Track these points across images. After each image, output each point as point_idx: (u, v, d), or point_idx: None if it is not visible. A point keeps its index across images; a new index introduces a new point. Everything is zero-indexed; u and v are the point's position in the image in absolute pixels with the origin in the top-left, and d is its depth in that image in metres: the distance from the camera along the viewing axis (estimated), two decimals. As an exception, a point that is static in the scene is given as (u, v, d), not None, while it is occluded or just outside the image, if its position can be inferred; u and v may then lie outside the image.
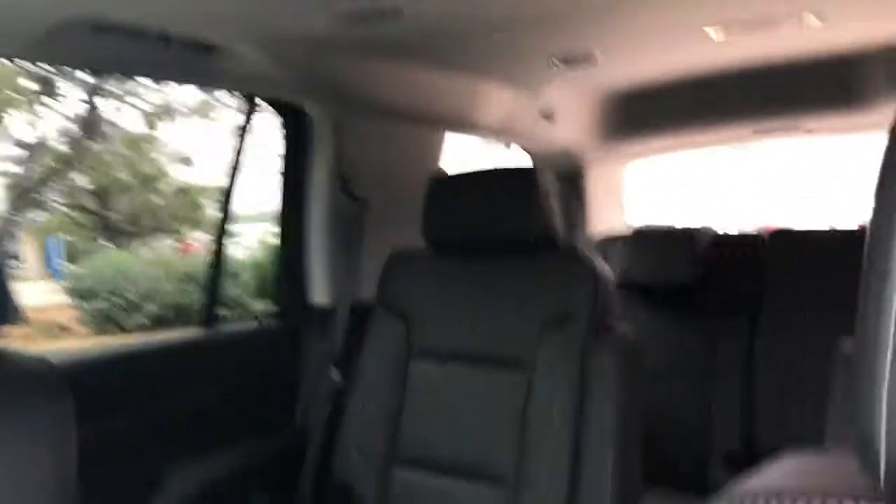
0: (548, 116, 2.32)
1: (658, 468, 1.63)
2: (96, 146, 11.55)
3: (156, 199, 12.64)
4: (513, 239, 1.70)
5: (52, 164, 10.86)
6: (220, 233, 1.81)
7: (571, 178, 2.71)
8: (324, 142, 1.85)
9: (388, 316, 1.79)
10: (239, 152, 1.79)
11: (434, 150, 2.15)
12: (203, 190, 11.67)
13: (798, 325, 2.20)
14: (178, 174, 12.72)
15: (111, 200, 12.45)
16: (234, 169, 1.79)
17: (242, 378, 1.77)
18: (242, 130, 1.77)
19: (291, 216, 1.91)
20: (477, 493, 1.61)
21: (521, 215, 1.67)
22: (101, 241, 12.43)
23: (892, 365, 0.39)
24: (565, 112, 2.36)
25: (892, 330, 0.39)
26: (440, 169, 2.19)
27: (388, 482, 1.69)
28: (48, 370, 0.81)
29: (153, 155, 12.52)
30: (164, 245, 12.02)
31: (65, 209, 12.57)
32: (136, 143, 12.14)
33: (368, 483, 1.70)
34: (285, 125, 1.87)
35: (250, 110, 1.77)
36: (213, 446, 1.68)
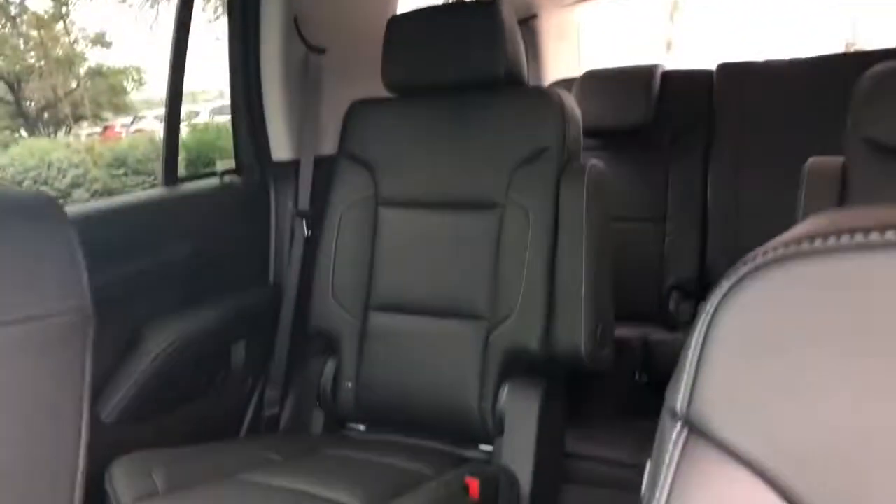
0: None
1: (619, 303, 1.70)
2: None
3: (73, 84, 12.00)
4: (479, 78, 1.67)
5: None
6: (174, 91, 1.73)
7: (524, 23, 2.65)
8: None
9: (353, 166, 1.77)
10: (183, 16, 1.68)
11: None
12: (123, 72, 11.12)
13: (749, 155, 2.26)
14: (96, 56, 12.04)
15: (24, 87, 11.78)
16: (181, 32, 1.68)
17: (211, 235, 1.75)
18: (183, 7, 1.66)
19: (245, 69, 1.83)
20: (455, 330, 1.65)
21: (487, 52, 1.64)
22: (18, 131, 11.84)
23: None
24: (517, -49, 2.28)
25: None
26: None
27: (366, 326, 1.73)
28: (47, 201, 0.77)
29: (65, 37, 11.78)
30: (87, 131, 11.53)
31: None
32: (46, 24, 11.37)
33: (346, 328, 1.73)
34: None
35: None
36: (186, 303, 1.68)
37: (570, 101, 1.67)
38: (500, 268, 1.62)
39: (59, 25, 11.44)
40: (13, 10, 10.87)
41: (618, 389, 2.10)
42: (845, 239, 0.45)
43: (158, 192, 1.73)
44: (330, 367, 1.75)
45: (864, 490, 0.41)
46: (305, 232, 1.84)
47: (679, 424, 0.49)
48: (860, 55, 2.27)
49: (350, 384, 1.72)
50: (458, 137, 1.72)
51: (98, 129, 11.81)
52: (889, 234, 0.44)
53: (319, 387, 1.75)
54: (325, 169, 1.83)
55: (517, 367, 1.60)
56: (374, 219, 1.75)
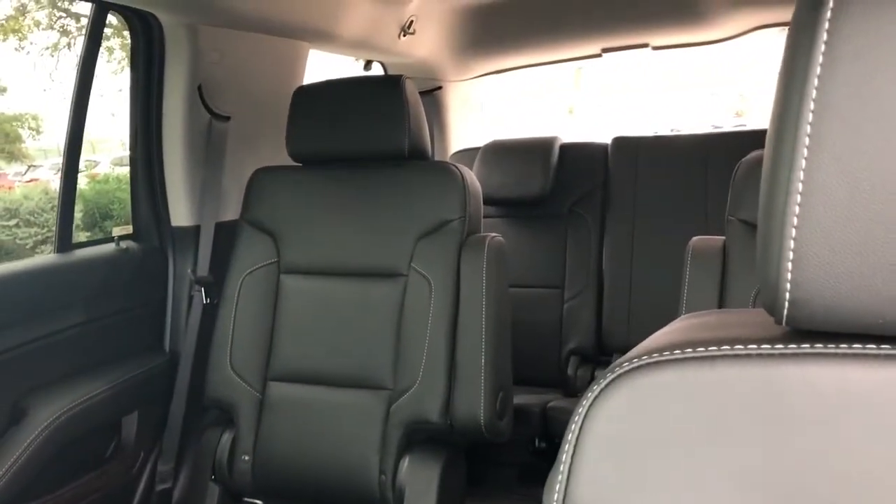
0: (408, 29, 2.30)
1: (519, 369, 1.74)
2: None
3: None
4: (383, 151, 1.70)
5: None
6: (73, 151, 1.68)
7: (429, 94, 2.72)
8: (178, 53, 1.75)
9: (256, 233, 1.76)
10: (87, 66, 1.65)
11: (297, 65, 2.08)
12: (19, 118, 10.69)
13: (640, 227, 2.36)
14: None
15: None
16: (83, 84, 1.66)
17: (105, 302, 1.70)
18: (92, 42, 1.64)
19: (146, 133, 1.81)
20: (356, 400, 1.64)
21: (391, 127, 1.68)
22: None
23: (799, 210, 0.45)
24: (425, 26, 2.35)
25: (797, 183, 0.45)
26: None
27: (264, 396, 1.70)
28: None
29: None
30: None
31: None
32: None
33: (244, 399, 1.70)
34: (134, 33, 1.75)
35: (99, 19, 1.63)
36: (77, 373, 1.62)
37: (471, 175, 1.72)
38: (402, 338, 1.63)
39: (-51, 67, 10.97)
40: None
41: (518, 457, 2.12)
42: (689, 351, 0.49)
43: (51, 258, 1.67)
44: (226, 439, 1.71)
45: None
46: (204, 300, 1.81)
47: None
48: (746, 134, 2.42)
49: (247, 457, 1.68)
50: (362, 207, 1.73)
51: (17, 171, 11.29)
52: (734, 348, 0.48)
53: (215, 460, 1.70)
54: (226, 235, 1.82)
55: (418, 437, 1.60)
56: (276, 286, 1.74)
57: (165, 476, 1.76)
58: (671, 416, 0.49)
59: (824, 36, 0.44)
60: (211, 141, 1.84)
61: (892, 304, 0.44)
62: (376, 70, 2.57)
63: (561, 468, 0.52)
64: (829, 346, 0.46)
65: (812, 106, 0.44)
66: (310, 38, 2.06)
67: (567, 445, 0.52)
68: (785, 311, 0.47)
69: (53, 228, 1.67)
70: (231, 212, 1.86)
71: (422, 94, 2.71)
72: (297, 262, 1.74)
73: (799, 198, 0.45)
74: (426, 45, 2.46)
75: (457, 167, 1.71)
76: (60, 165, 1.68)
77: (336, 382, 1.67)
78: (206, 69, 1.80)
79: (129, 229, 1.85)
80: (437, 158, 2.68)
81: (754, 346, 0.48)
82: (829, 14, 0.44)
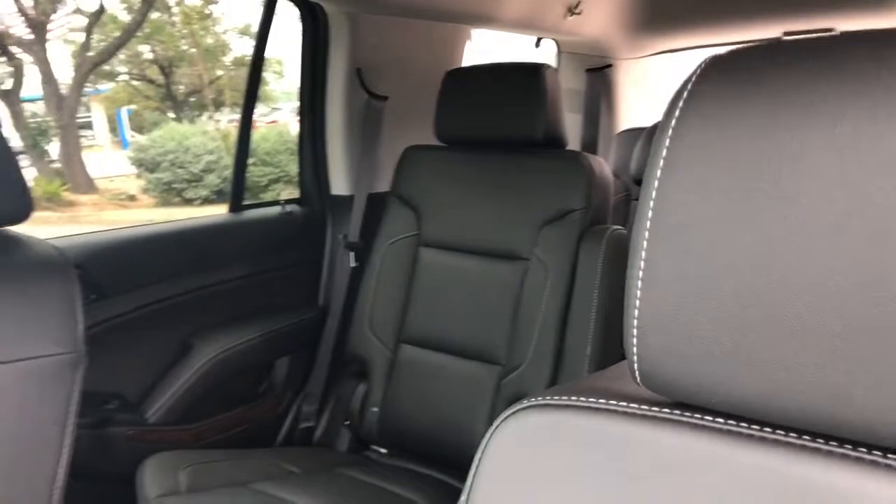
0: (574, 9, 2.32)
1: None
2: (156, 16, 11.64)
3: (218, 72, 12.78)
4: (520, 137, 1.76)
5: (117, 33, 10.98)
6: (246, 121, 1.93)
7: (598, 72, 2.71)
8: (340, 38, 1.92)
9: (400, 207, 1.91)
10: (261, 45, 1.87)
11: (455, 47, 2.19)
12: (266, 63, 11.73)
13: None
14: (240, 47, 12.77)
15: (174, 72, 12.65)
16: (258, 60, 1.88)
17: (267, 259, 1.93)
18: (264, 23, 1.85)
19: (312, 110, 2.01)
20: (473, 371, 1.76)
21: (527, 114, 1.73)
22: (167, 113, 12.73)
23: (641, 292, 0.49)
24: (592, 6, 2.35)
25: (638, 271, 0.49)
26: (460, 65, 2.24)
27: (396, 356, 1.86)
28: (56, 255, 0.95)
29: (215, 27, 12.56)
30: (227, 118, 12.24)
31: (131, 80, 12.85)
32: (198, 14, 12.17)
33: (378, 357, 1.87)
34: (303, 20, 1.94)
35: (271, 5, 1.84)
36: (239, 318, 1.87)
37: (601, 165, 1.75)
38: (517, 318, 1.72)
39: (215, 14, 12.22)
40: (169, 3, 11.73)
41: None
42: (572, 399, 0.56)
43: (225, 216, 1.93)
44: (360, 390, 1.90)
45: None
46: (352, 263, 2.00)
47: None
48: None
49: (375, 409, 1.87)
50: (495, 190, 1.82)
51: (236, 116, 12.56)
52: (598, 402, 0.54)
53: (349, 408, 1.90)
54: (376, 206, 1.98)
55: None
56: (414, 257, 1.88)
57: (308, 416, 2.00)
58: (544, 455, 0.56)
59: (667, 142, 0.48)
60: (368, 119, 2.01)
61: (719, 387, 0.48)
62: (546, 46, 2.60)
63: (463, 495, 0.60)
64: (674, 412, 0.51)
65: (651, 206, 0.48)
66: (469, 20, 2.15)
67: (471, 472, 0.60)
68: (638, 379, 0.52)
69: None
70: (382, 184, 2.02)
71: (591, 71, 2.72)
72: (435, 236, 1.87)
73: (640, 283, 0.49)
74: (594, 23, 2.45)
75: (587, 157, 1.74)
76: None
77: (457, 352, 1.80)
78: (365, 53, 1.95)
79: (295, 195, 2.08)
80: (604, 136, 2.68)
81: (614, 403, 0.54)
82: (673, 123, 0.48)
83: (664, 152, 0.48)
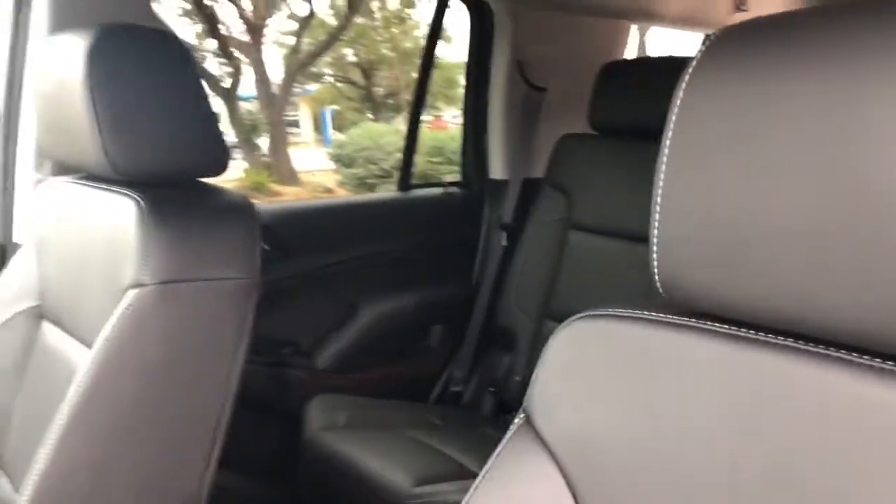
0: (741, 5, 2.33)
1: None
2: (360, 20, 12.38)
3: (414, 75, 13.34)
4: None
5: (324, 37, 11.79)
6: (416, 110, 2.14)
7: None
8: (504, 34, 2.08)
9: (553, 192, 2.03)
10: (432, 42, 2.07)
11: (616, 42, 2.28)
12: (459, 66, 12.14)
13: None
14: (438, 50, 13.27)
15: (375, 75, 13.41)
16: (429, 55, 2.08)
17: (427, 235, 2.13)
18: (435, 24, 2.05)
19: (476, 99, 2.18)
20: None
21: None
22: (365, 113, 13.51)
23: (660, 216, 0.60)
24: (760, 2, 2.35)
25: (658, 189, 0.60)
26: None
27: (539, 330, 1.99)
28: (242, 200, 1.17)
29: (414, 31, 13.16)
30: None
31: (335, 81, 13.75)
32: (398, 19, 12.81)
33: (523, 329, 2.01)
34: (471, 17, 2.12)
35: (443, 3, 2.03)
36: (399, 285, 2.08)
37: None
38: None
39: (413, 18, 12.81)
40: (374, 6, 12.45)
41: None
42: (619, 311, 0.67)
43: (393, 195, 2.15)
44: (506, 361, 2.05)
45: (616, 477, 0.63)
46: (504, 242, 2.15)
47: (521, 414, 0.74)
48: None
49: (518, 378, 2.01)
50: (645, 178, 1.89)
51: (430, 118, 13.08)
52: (634, 312, 0.65)
53: (495, 376, 2.06)
54: (530, 190, 2.12)
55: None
56: (563, 239, 2.00)
57: (458, 381, 2.17)
58: (590, 354, 0.68)
59: (686, 82, 0.59)
60: (526, 109, 2.15)
61: (725, 296, 0.57)
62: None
63: (532, 376, 0.73)
64: (691, 320, 0.62)
65: (668, 144, 0.59)
66: (633, 16, 2.23)
67: (535, 369, 0.73)
68: (661, 291, 0.63)
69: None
70: (537, 170, 2.15)
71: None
72: (584, 220, 1.97)
73: (658, 209, 0.60)
74: (763, 19, 2.44)
75: None
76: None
77: None
78: (526, 47, 2.10)
79: (457, 177, 2.27)
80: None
81: (645, 313, 0.65)
82: (687, 77, 0.59)
83: (681, 94, 0.58)
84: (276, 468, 1.82)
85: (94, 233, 1.15)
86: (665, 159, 0.60)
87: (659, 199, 0.60)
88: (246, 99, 11.71)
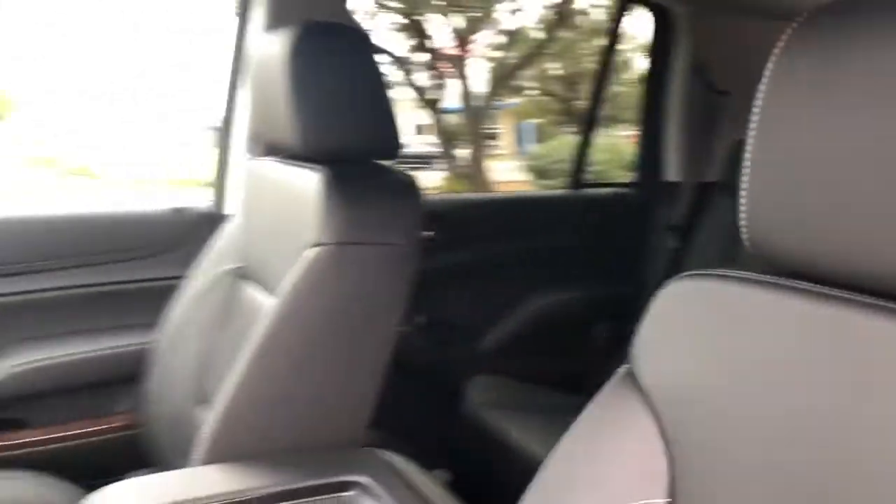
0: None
1: None
2: (566, 35, 12.44)
3: (616, 89, 13.19)
4: None
5: (528, 51, 11.95)
6: (591, 115, 2.21)
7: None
8: (685, 37, 2.10)
9: (726, 197, 2.02)
10: (611, 46, 2.14)
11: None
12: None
13: None
14: (638, 65, 13.06)
15: (576, 88, 13.42)
16: (608, 58, 2.16)
17: (594, 233, 2.19)
18: (614, 28, 2.12)
19: (654, 102, 2.22)
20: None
21: None
22: (564, 127, 13.55)
23: (750, 177, 0.65)
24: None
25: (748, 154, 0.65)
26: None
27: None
28: (409, 180, 1.31)
29: (619, 45, 12.98)
30: (615, 134, 12.62)
31: (537, 95, 13.90)
32: (601, 32, 12.69)
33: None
34: (655, 21, 2.16)
35: (621, 9, 2.10)
36: (559, 281, 2.16)
37: None
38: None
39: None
40: (578, 19, 12.47)
41: None
42: (722, 272, 0.72)
43: (562, 193, 2.24)
44: None
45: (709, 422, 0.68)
46: (674, 244, 2.17)
47: (626, 366, 0.80)
48: None
49: None
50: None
51: (630, 132, 12.88)
52: (735, 273, 0.70)
53: None
54: (703, 193, 2.12)
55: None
56: (738, 242, 1.98)
57: None
58: (691, 310, 0.72)
59: (777, 55, 0.63)
60: (704, 112, 2.16)
61: (811, 255, 0.61)
62: None
63: (638, 329, 0.78)
64: (780, 278, 0.65)
65: (759, 111, 0.64)
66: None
67: (646, 315, 0.78)
68: (748, 247, 0.68)
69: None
70: (713, 174, 2.15)
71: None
72: None
73: (749, 172, 0.65)
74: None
75: None
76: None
77: None
78: (707, 51, 2.11)
79: (631, 178, 2.32)
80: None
81: (739, 273, 0.70)
82: (783, 43, 0.64)
83: (771, 66, 0.63)
84: (432, 436, 1.97)
85: (287, 202, 1.34)
86: (756, 123, 0.63)
87: (749, 162, 0.64)
88: (451, 111, 12.15)
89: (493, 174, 11.22)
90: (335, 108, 1.26)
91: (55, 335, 1.69)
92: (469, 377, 1.94)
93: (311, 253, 1.20)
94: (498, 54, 11.87)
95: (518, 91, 13.93)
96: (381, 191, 1.28)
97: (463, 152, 11.79)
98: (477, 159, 11.29)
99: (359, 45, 1.30)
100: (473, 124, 11.24)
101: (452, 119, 12.25)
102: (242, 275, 1.49)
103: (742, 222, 0.65)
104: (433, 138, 11.09)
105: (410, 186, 1.31)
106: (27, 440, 1.63)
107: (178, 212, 1.81)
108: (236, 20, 1.75)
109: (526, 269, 2.12)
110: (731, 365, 0.66)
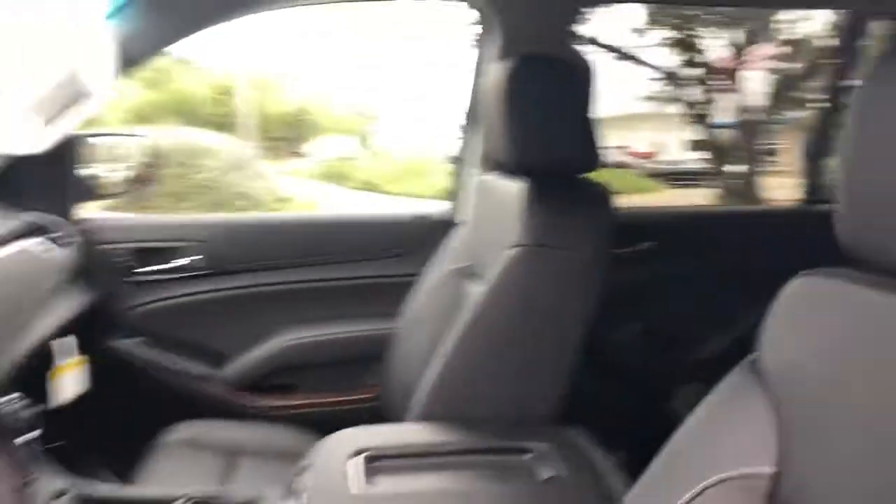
0: None
1: None
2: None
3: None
4: None
5: (812, 61, 11.15)
6: (825, 125, 2.18)
7: None
8: None
9: None
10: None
11: None
12: None
13: None
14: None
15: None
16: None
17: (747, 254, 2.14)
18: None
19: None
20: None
21: None
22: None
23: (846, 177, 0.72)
24: None
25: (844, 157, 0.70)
26: None
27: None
28: (601, 190, 1.46)
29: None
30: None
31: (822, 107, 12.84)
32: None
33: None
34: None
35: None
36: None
37: None
38: None
39: None
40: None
41: None
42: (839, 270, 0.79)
43: (797, 207, 2.22)
44: None
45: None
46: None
47: (751, 358, 0.85)
48: None
49: None
50: None
51: None
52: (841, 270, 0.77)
53: None
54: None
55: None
56: None
57: None
58: (814, 308, 0.76)
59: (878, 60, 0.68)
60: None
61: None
62: None
63: (765, 328, 0.82)
64: (874, 275, 0.69)
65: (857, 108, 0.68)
66: None
67: (769, 314, 0.82)
68: (843, 248, 0.73)
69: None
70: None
71: None
72: None
73: (845, 173, 0.69)
74: None
75: None
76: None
77: None
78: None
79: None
80: None
81: (850, 271, 0.73)
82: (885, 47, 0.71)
83: (877, 64, 0.67)
84: (633, 437, 2.05)
85: (500, 209, 1.55)
86: (854, 126, 0.67)
87: (846, 166, 0.68)
88: (724, 126, 11.68)
89: (769, 192, 10.60)
90: (541, 129, 1.46)
91: (320, 318, 2.07)
92: (681, 385, 2.01)
93: (511, 252, 1.41)
94: (780, 65, 11.22)
95: (802, 104, 12.99)
96: (577, 202, 1.46)
97: (736, 168, 11.27)
98: (751, 175, 10.73)
99: (567, 74, 1.48)
100: (749, 139, 10.72)
101: (726, 134, 11.76)
102: (467, 273, 1.72)
103: (838, 224, 0.70)
104: (705, 154, 10.77)
105: (604, 199, 1.47)
106: (295, 403, 2.02)
107: (420, 218, 2.12)
108: (475, 53, 2.01)
109: (748, 284, 2.13)
110: (847, 358, 0.69)
